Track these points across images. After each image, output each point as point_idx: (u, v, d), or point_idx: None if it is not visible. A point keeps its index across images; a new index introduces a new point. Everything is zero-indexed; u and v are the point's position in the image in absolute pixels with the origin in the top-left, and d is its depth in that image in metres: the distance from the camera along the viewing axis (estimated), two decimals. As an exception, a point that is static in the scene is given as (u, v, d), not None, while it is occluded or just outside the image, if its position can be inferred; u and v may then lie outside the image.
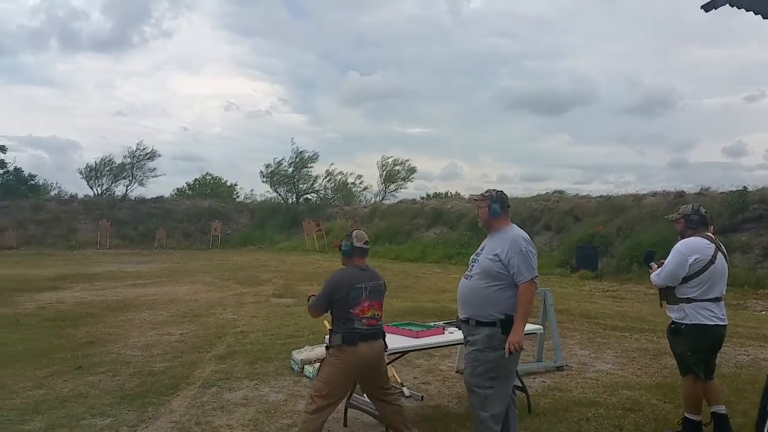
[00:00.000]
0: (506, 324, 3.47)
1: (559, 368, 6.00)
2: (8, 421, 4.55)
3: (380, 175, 37.83)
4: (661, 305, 4.26)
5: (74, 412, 4.72)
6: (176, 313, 9.52)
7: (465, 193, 33.70)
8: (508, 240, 3.55)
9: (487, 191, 3.78)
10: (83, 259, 21.47)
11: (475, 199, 4.01)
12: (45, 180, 35.62)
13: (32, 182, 33.31)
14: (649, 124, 67.56)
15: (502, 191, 3.74)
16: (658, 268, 4.21)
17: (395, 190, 37.72)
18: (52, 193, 34.72)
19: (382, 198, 36.42)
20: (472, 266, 3.69)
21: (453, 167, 62.52)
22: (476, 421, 3.54)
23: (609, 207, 18.50)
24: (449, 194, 36.50)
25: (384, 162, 38.04)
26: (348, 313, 3.59)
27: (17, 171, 32.40)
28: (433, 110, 71.83)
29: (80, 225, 28.92)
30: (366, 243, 3.81)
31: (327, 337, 3.98)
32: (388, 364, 4.59)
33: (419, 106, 72.85)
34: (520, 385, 4.76)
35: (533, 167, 68.31)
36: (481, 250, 3.70)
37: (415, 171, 38.82)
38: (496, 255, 3.54)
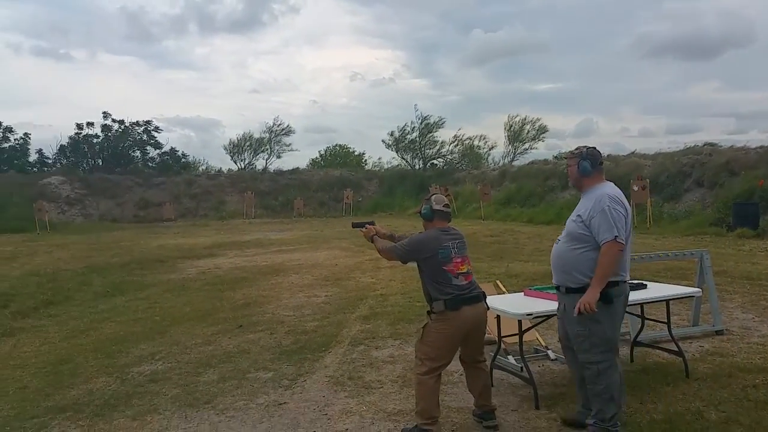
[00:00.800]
0: None
1: (719, 332, 5.59)
2: (187, 373, 5.12)
3: (506, 136, 36.85)
4: None
5: (240, 366, 5.20)
6: (320, 277, 10.08)
7: (603, 151, 31.91)
8: (593, 199, 3.36)
9: (577, 148, 3.59)
10: (233, 228, 23.30)
11: (565, 157, 3.81)
12: (194, 157, 38.90)
13: (184, 160, 36.53)
14: (817, 61, 59.33)
15: (594, 147, 3.54)
16: None
17: (525, 151, 36.59)
18: (201, 169, 37.88)
19: (512, 159, 35.53)
20: (564, 229, 3.55)
21: (587, 123, 59.37)
22: (592, 395, 3.41)
23: (771, 158, 16.66)
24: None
25: (511, 122, 36.96)
26: (443, 272, 3.57)
27: (172, 150, 35.77)
28: (563, 64, 68.57)
29: (228, 197, 31.41)
30: (446, 206, 3.79)
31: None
32: (532, 327, 4.55)
33: (548, 60, 69.88)
34: (676, 349, 4.51)
35: (679, 118, 63.19)
36: None
37: (545, 130, 37.36)
38: (579, 216, 3.39)
